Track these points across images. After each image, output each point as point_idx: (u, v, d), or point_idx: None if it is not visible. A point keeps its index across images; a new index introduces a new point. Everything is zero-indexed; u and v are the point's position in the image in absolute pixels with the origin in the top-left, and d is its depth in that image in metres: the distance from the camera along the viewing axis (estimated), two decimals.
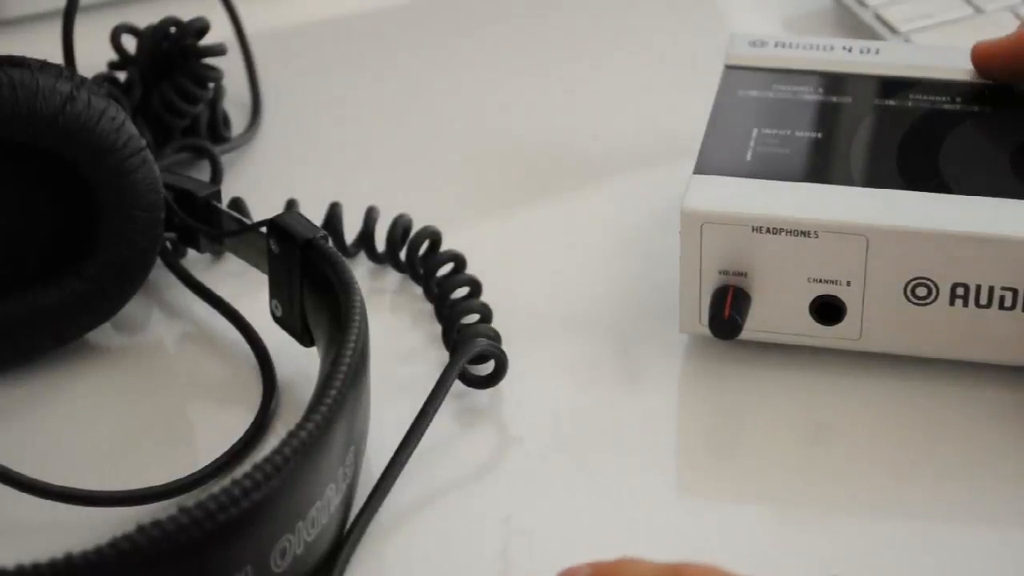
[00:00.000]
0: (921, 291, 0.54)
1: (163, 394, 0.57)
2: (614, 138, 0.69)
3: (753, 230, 0.54)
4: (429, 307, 0.60)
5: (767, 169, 0.56)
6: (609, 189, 0.66)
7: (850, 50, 0.62)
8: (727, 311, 0.54)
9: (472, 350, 0.55)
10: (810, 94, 0.60)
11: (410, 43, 0.76)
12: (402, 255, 0.61)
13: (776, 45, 0.63)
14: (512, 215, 0.63)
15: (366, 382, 0.50)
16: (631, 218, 0.64)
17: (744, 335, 0.56)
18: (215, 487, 0.49)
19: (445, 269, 0.60)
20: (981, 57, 0.60)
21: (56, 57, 0.58)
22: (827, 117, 0.59)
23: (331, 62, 0.75)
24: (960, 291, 0.54)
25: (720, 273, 0.55)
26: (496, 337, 0.56)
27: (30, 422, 0.56)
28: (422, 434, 0.52)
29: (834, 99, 0.60)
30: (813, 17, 0.77)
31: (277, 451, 0.44)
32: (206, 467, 0.52)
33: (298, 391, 0.56)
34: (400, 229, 0.61)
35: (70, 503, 0.51)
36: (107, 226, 0.56)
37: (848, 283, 0.54)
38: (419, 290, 0.61)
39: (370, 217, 0.62)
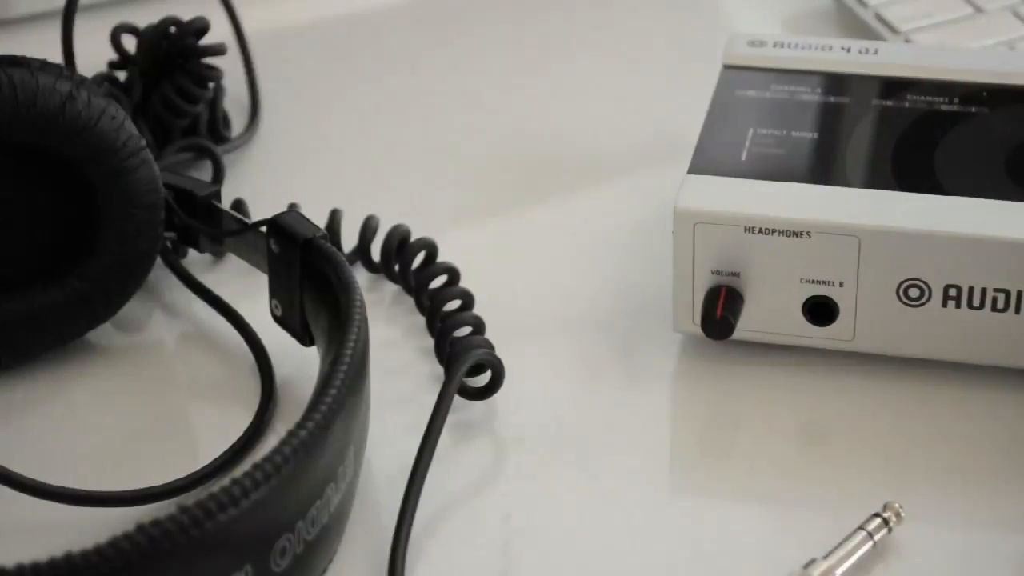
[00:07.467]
0: (914, 292, 0.54)
1: (163, 394, 0.57)
2: (612, 138, 0.69)
3: (746, 230, 0.54)
4: (422, 320, 0.59)
5: (762, 169, 0.56)
6: (607, 189, 0.66)
7: (849, 50, 0.62)
8: (719, 311, 0.54)
9: (468, 362, 0.54)
10: (808, 94, 0.60)
11: (410, 43, 0.76)
12: (396, 267, 0.60)
13: (775, 45, 0.62)
14: (510, 214, 0.63)
15: (366, 382, 0.50)
16: (628, 218, 0.64)
17: (737, 335, 0.56)
18: (215, 487, 0.49)
19: (437, 282, 0.59)
20: None
21: (56, 57, 0.58)
22: (824, 117, 0.59)
23: (331, 62, 0.75)
24: (953, 292, 0.54)
25: (713, 273, 0.55)
26: (490, 347, 0.56)
27: (30, 422, 0.56)
28: (430, 458, 0.51)
29: (832, 99, 0.60)
30: (813, 17, 0.77)
31: (277, 451, 0.44)
32: (206, 467, 0.52)
33: (298, 391, 0.56)
34: (395, 240, 0.60)
35: (70, 503, 0.51)
36: (107, 226, 0.56)
37: (841, 284, 0.54)
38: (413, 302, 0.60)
39: (368, 227, 0.61)
